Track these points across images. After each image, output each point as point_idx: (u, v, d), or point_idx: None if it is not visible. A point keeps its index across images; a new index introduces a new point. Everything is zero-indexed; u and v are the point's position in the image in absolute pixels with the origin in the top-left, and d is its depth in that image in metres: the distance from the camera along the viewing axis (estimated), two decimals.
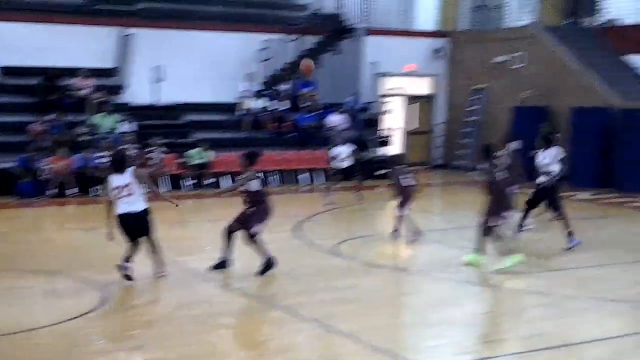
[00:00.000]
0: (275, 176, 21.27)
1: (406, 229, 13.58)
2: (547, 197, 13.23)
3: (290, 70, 24.24)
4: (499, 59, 24.79)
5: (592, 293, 10.20)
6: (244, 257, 12.69)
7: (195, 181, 20.36)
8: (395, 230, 13.61)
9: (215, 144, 21.08)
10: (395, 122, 25.42)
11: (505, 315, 9.33)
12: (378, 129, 24.52)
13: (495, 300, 10.15)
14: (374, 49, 24.91)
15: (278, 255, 12.68)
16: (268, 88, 23.83)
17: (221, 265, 11.10)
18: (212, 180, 20.35)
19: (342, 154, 18.80)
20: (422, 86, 26.61)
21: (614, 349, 8.06)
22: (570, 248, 12.71)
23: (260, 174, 11.33)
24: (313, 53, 24.52)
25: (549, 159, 13.05)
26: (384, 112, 25.01)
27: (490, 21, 26.85)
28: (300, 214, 16.56)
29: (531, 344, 8.15)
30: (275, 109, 22.94)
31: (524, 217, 13.73)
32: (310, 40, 24.69)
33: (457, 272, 11.49)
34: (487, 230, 11.28)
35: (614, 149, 20.86)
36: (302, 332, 8.59)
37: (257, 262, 10.98)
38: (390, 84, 25.35)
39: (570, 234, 12.84)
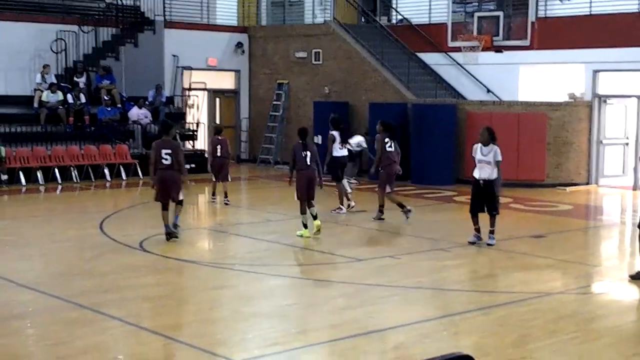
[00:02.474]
0: (75, 171, 20.56)
1: None
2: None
3: (87, 63, 23.49)
4: (299, 54, 25.29)
5: (393, 281, 10.60)
6: (45, 257, 12.24)
7: None
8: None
9: (10, 139, 20.10)
10: (200, 116, 25.26)
11: (312, 306, 9.50)
12: (183, 122, 24.29)
13: (301, 292, 10.32)
14: (174, 42, 24.68)
15: (81, 253, 12.34)
16: (64, 81, 22.98)
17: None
18: (5, 177, 19.40)
19: None
20: (225, 81, 26.64)
21: (417, 333, 8.41)
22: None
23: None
24: (111, 45, 23.90)
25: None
26: (189, 106, 24.81)
27: (289, 17, 27.28)
28: (103, 210, 16.13)
29: (338, 332, 8.36)
30: (73, 102, 22.16)
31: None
32: (107, 32, 24.03)
33: (264, 265, 11.62)
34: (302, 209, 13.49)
35: (408, 143, 21.78)
36: (107, 331, 8.36)
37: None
38: (193, 78, 25.17)
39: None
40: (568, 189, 20.31)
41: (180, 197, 13.17)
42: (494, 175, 12.62)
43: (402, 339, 8.25)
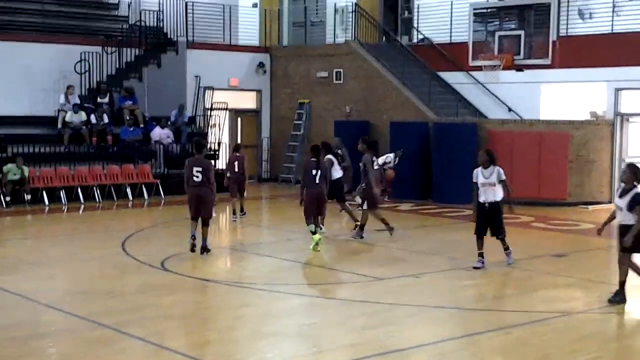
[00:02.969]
0: (98, 191, 20.71)
1: None
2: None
3: (110, 83, 23.71)
4: (320, 74, 25.38)
5: (414, 301, 10.59)
6: (67, 276, 12.33)
7: (9, 198, 19.47)
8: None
9: (34, 159, 20.30)
10: (222, 136, 25.39)
11: (332, 325, 9.49)
12: (205, 142, 24.38)
13: (321, 311, 10.32)
14: (196, 62, 24.86)
15: (103, 272, 12.42)
16: (87, 101, 23.19)
17: None
18: (29, 197, 19.57)
19: None
20: (247, 100, 26.77)
21: (437, 353, 8.39)
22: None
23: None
24: (134, 66, 24.12)
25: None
26: (210, 126, 24.95)
27: (310, 37, 27.41)
28: (125, 230, 16.22)
29: (358, 351, 8.35)
30: (96, 122, 22.36)
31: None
32: (130, 53, 24.26)
33: (285, 284, 11.63)
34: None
35: (429, 162, 21.77)
36: (129, 350, 8.40)
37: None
38: (215, 98, 25.31)
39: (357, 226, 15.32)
40: (590, 207, 20.19)
41: (213, 214, 13.58)
42: (499, 197, 12.54)
43: (422, 359, 8.22)
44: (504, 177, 12.55)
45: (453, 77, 24.42)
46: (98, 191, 20.71)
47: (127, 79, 23.89)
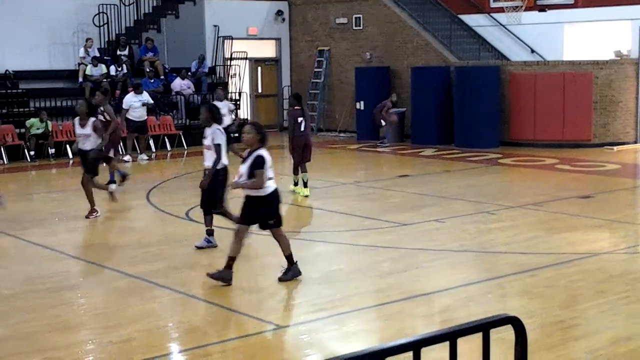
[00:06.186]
0: (121, 143, 20.71)
1: None
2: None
3: (129, 35, 23.62)
4: (339, 20, 25.13)
5: (439, 245, 10.59)
6: (93, 228, 12.44)
7: (33, 152, 19.59)
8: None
9: (56, 113, 20.35)
10: (242, 85, 25.32)
11: (358, 271, 9.52)
12: (226, 92, 24.37)
13: (346, 257, 10.34)
14: (214, 12, 24.66)
15: (129, 224, 12.52)
16: (107, 54, 23.17)
17: None
18: (52, 150, 19.68)
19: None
20: (266, 49, 26.61)
21: (463, 296, 8.40)
22: None
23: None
24: (152, 17, 24.00)
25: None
26: (230, 76, 24.87)
27: None
28: (149, 181, 16.30)
29: (384, 296, 8.38)
30: (117, 75, 22.35)
31: None
32: (148, 4, 24.12)
33: (309, 231, 11.66)
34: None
35: (451, 107, 21.61)
36: (156, 299, 8.49)
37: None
38: (234, 47, 25.19)
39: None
40: (615, 148, 20.00)
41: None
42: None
43: (448, 302, 8.24)
44: (218, 141, 10.11)
45: (474, 20, 24.12)
46: (121, 143, 20.72)
47: (145, 30, 23.81)
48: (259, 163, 8.53)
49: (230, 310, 8.14)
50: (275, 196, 8.85)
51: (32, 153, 19.54)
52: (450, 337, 3.61)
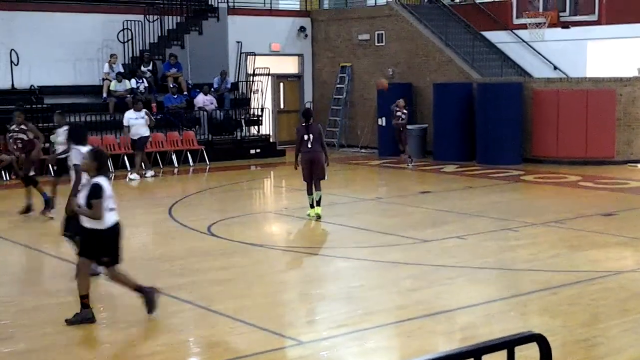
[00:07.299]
0: None
1: None
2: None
3: (152, 51, 23.84)
4: (362, 37, 25.22)
5: (460, 262, 10.56)
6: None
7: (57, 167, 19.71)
8: None
9: None
10: (265, 101, 25.45)
11: (379, 288, 9.51)
12: (248, 108, 24.53)
13: (368, 273, 10.33)
14: (237, 28, 24.84)
15: (152, 238, 12.58)
16: (131, 69, 23.36)
17: None
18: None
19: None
20: (289, 65, 26.73)
21: (484, 314, 8.37)
22: None
23: None
24: (176, 33, 24.20)
25: None
26: (253, 92, 24.99)
27: (351, 0, 27.21)
28: (172, 196, 16.38)
29: (405, 313, 8.36)
30: (140, 90, 22.52)
31: None
32: (172, 21, 24.34)
33: (331, 247, 11.67)
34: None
35: (473, 123, 21.58)
36: (178, 314, 8.52)
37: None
38: (257, 63, 25.32)
39: None
40: (638, 165, 19.89)
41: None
42: None
43: (469, 320, 8.22)
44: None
45: (497, 37, 24.12)
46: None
47: (169, 46, 24.00)
48: (96, 192, 7.86)
49: (252, 325, 8.15)
50: (114, 231, 8.08)
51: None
52: (475, 354, 3.61)
